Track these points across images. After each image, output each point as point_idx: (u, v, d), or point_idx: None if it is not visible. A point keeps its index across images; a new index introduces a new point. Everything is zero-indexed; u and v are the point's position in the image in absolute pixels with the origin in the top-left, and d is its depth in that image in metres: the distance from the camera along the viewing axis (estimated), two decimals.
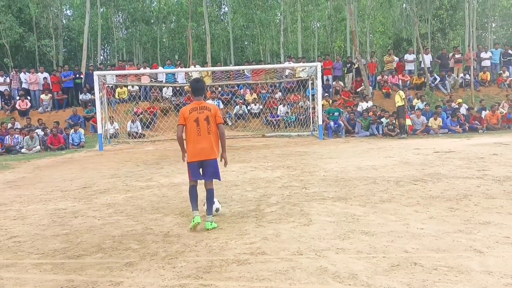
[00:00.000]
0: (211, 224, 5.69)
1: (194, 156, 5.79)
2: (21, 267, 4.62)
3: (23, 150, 18.12)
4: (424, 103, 20.74)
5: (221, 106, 21.08)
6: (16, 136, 18.74)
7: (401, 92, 17.84)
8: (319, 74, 18.61)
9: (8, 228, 6.28)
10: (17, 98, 23.26)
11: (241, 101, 22.58)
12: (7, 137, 18.64)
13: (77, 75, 24.19)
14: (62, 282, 4.19)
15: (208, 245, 5.01)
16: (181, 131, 5.87)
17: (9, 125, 20.03)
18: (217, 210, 6.26)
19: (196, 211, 5.73)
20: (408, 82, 23.96)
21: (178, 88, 23.29)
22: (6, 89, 23.69)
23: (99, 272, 4.39)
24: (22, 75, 23.99)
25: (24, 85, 23.84)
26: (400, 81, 23.28)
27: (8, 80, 24.20)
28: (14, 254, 5.06)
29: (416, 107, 20.31)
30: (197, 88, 5.97)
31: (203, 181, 5.93)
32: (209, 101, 17.88)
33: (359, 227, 5.40)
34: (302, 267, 4.22)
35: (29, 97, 23.41)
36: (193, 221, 5.63)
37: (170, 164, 12.05)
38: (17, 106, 22.85)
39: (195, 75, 22.41)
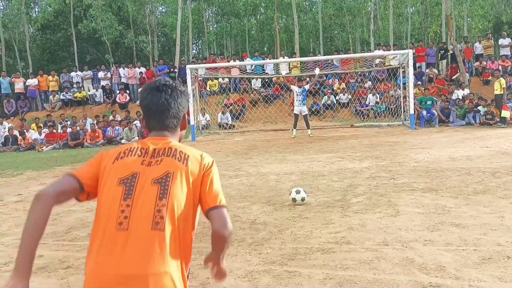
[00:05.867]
0: None
1: None
2: None
3: (122, 141, 19.23)
4: None
5: (317, 72, 16.89)
6: (117, 127, 19.99)
7: (502, 80, 16.72)
8: (411, 62, 17.90)
9: None
10: (117, 92, 24.73)
11: (329, 91, 22.36)
12: (108, 128, 19.95)
13: (171, 69, 25.19)
14: None
15: (293, 233, 5.10)
16: (55, 190, 1.89)
17: (110, 118, 21.39)
18: (303, 199, 6.33)
19: None
20: (509, 67, 22.41)
21: (266, 80, 23.58)
22: (108, 84, 25.26)
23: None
24: (121, 70, 25.42)
25: (123, 80, 25.25)
26: (500, 66, 21.86)
27: (109, 75, 25.79)
28: None
29: None
30: (155, 107, 2.16)
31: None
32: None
33: (450, 219, 5.23)
34: (387, 257, 4.19)
35: (128, 91, 24.79)
36: None
37: (259, 154, 12.26)
38: (117, 99, 24.29)
39: (282, 67, 22.50)
